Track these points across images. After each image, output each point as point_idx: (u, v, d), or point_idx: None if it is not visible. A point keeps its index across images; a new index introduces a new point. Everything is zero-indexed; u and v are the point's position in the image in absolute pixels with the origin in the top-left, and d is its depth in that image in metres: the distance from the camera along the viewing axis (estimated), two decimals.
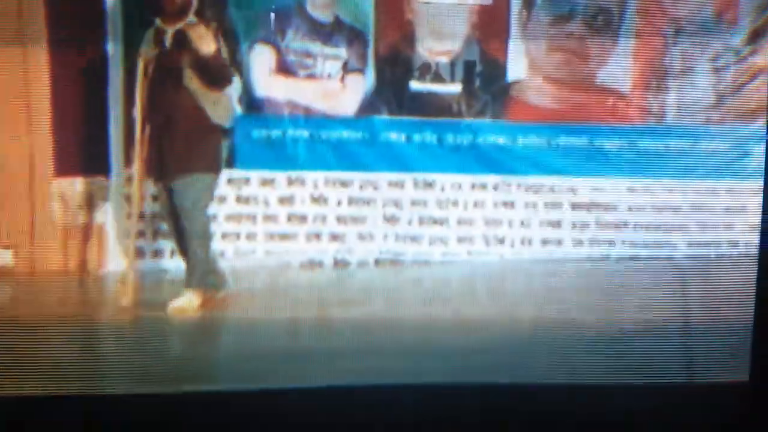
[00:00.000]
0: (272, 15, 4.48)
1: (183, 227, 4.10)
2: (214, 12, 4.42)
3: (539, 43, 4.67)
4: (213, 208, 4.19)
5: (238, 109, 4.20)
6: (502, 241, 4.68)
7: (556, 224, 4.71)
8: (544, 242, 4.70)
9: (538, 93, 4.73)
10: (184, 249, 4.12)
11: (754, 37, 4.77)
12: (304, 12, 4.53)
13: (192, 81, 3.93)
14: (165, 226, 4.26)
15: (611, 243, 4.72)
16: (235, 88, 4.37)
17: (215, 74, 3.98)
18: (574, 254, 4.68)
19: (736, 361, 3.93)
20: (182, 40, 3.91)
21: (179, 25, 3.91)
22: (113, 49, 4.29)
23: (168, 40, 3.92)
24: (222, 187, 4.31)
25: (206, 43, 3.93)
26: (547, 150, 4.71)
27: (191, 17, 3.98)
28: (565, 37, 4.66)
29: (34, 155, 4.23)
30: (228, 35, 4.45)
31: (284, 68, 4.57)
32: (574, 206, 4.69)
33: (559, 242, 4.70)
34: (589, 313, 4.22)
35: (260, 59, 4.50)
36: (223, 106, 4.05)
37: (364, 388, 3.69)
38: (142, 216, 4.32)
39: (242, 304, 4.21)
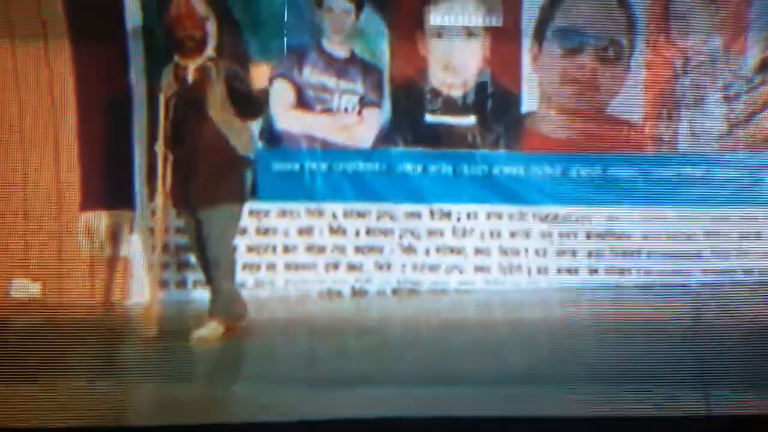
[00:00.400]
0: (290, 52, 4.56)
1: (208, 257, 4.07)
2: (231, 48, 4.52)
3: (551, 75, 4.71)
4: (235, 240, 4.19)
5: (258, 141, 4.27)
6: (518, 269, 4.68)
7: (571, 253, 4.73)
8: (560, 271, 4.73)
9: (552, 124, 4.75)
10: (209, 279, 4.12)
11: (764, 65, 4.80)
12: (321, 48, 4.60)
13: (216, 113, 3.94)
14: (192, 258, 4.28)
15: (626, 271, 4.73)
16: (255, 121, 4.42)
17: (255, 105, 4.02)
18: (589, 282, 4.68)
19: (755, 392, 3.86)
20: (206, 75, 3.91)
21: (199, 61, 3.93)
22: (137, 85, 4.38)
23: (189, 76, 3.95)
24: (243, 219, 4.30)
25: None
26: (561, 180, 4.72)
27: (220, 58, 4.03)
28: (577, 69, 4.71)
29: (62, 190, 4.33)
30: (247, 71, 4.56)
31: (302, 103, 4.63)
32: (589, 235, 4.71)
33: (575, 271, 4.73)
34: (606, 341, 4.19)
35: (279, 94, 4.57)
36: (247, 137, 4.07)
37: (382, 421, 3.66)
38: (165, 248, 4.36)
39: (263, 333, 4.20)
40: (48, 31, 4.20)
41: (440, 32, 4.59)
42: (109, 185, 4.38)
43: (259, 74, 4.04)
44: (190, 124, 3.90)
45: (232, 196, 3.96)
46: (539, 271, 4.66)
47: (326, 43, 4.58)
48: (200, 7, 4.42)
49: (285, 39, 4.50)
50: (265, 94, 4.13)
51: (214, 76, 3.88)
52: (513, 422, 3.59)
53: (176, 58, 3.97)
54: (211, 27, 4.44)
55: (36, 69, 4.25)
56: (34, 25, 4.18)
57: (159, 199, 4.07)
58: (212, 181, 3.92)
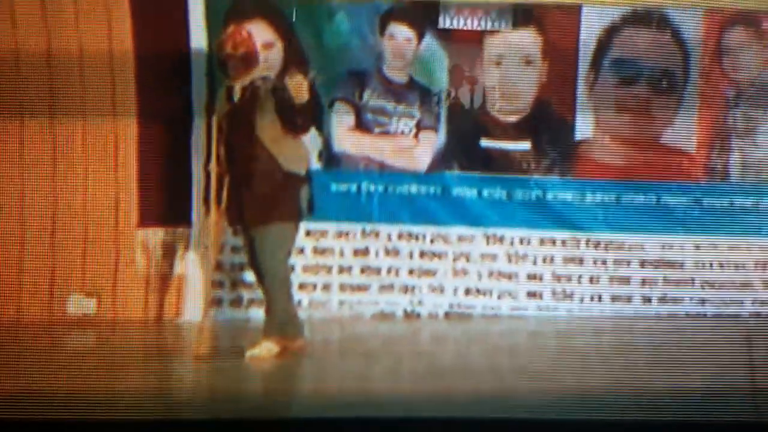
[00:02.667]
0: (351, 76, 4.20)
1: (262, 276, 3.68)
2: (296, 71, 4.12)
3: (606, 104, 4.32)
4: (292, 259, 3.81)
5: (316, 162, 3.90)
6: (570, 296, 4.26)
7: (625, 281, 4.28)
8: (613, 298, 4.28)
9: (605, 151, 4.34)
10: (264, 298, 3.71)
11: None
12: (381, 73, 4.23)
13: (264, 132, 3.60)
14: (248, 276, 3.90)
15: (679, 300, 4.28)
16: (315, 142, 4.07)
17: (300, 118, 3.62)
18: (643, 311, 4.25)
19: None
20: (254, 94, 3.60)
21: (247, 80, 3.61)
22: (196, 105, 4.01)
23: (236, 95, 3.63)
24: (300, 239, 3.92)
25: (302, 91, 3.58)
26: (614, 207, 4.31)
27: (271, 76, 3.71)
28: (632, 98, 4.33)
29: (120, 206, 3.94)
30: (311, 94, 4.14)
31: (361, 125, 4.26)
32: (643, 263, 4.27)
33: (628, 299, 4.28)
34: (658, 371, 3.74)
35: (340, 117, 4.21)
36: (298, 154, 3.68)
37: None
38: (220, 266, 3.99)
39: (316, 353, 3.78)
40: (112, 43, 3.88)
41: (499, 60, 4.22)
42: (166, 202, 4.00)
43: (296, 86, 3.59)
44: (240, 144, 3.57)
45: (284, 214, 3.57)
46: (592, 298, 4.21)
47: (386, 69, 4.20)
48: (266, 32, 4.09)
49: (349, 65, 4.15)
50: (309, 105, 3.68)
51: (262, 95, 3.56)
52: None
53: (226, 80, 3.67)
54: (277, 51, 4.12)
55: (99, 83, 3.90)
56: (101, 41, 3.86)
57: (213, 216, 3.67)
58: (264, 199, 3.56)
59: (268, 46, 4.11)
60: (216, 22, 4.02)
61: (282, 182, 3.58)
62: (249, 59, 3.65)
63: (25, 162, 3.78)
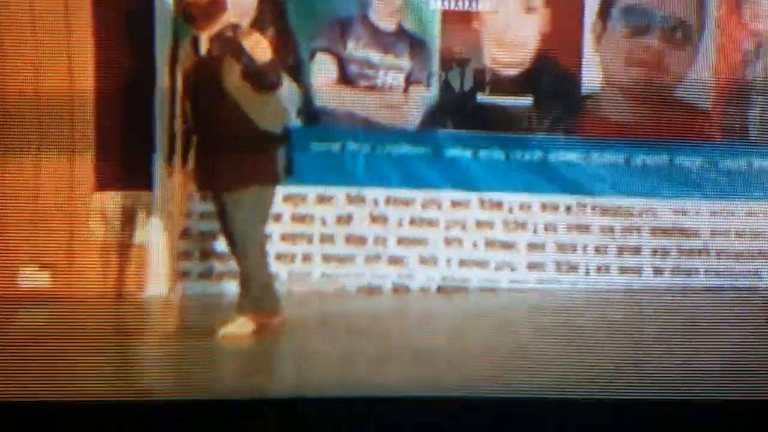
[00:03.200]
0: (333, 23, 3.93)
1: (235, 246, 3.43)
2: (271, 19, 3.88)
3: (615, 56, 4.06)
4: (269, 226, 3.55)
5: (295, 118, 3.63)
6: (575, 268, 4.03)
7: (635, 250, 4.05)
8: (622, 270, 4.05)
9: (614, 107, 4.09)
10: (241, 267, 3.45)
11: None
12: (368, 20, 3.94)
13: (234, 87, 3.35)
14: (221, 246, 3.64)
15: (694, 272, 4.05)
16: (293, 97, 3.80)
17: (266, 78, 3.35)
18: (654, 284, 4.02)
19: None
20: (221, 45, 3.35)
21: (214, 29, 3.36)
22: (159, 57, 3.70)
23: (203, 47, 3.38)
24: (277, 205, 3.65)
25: (261, 50, 3.35)
26: (624, 169, 4.06)
27: (242, 24, 3.47)
28: (643, 50, 4.07)
29: (74, 168, 3.67)
30: (286, 43, 3.89)
31: (345, 78, 3.97)
32: (654, 231, 4.05)
33: (638, 270, 4.06)
34: (670, 348, 3.56)
35: (321, 69, 3.93)
36: (273, 111, 3.42)
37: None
38: (186, 233, 3.73)
39: (296, 331, 3.54)
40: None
41: (496, 8, 3.93)
42: (125, 164, 3.70)
43: (253, 45, 3.32)
44: (207, 100, 3.31)
45: (259, 177, 3.32)
46: (599, 269, 3.98)
47: (373, 15, 3.91)
48: None
49: (331, 11, 3.86)
50: (274, 63, 3.38)
51: (231, 47, 3.30)
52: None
53: (192, 30, 3.39)
54: None
55: (55, 34, 3.61)
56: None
57: (178, 179, 3.43)
58: (235, 161, 3.31)
59: None
60: None
61: (255, 142, 3.33)
62: (215, 5, 3.36)
63: None
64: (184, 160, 3.40)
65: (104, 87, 3.66)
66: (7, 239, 3.55)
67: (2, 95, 3.60)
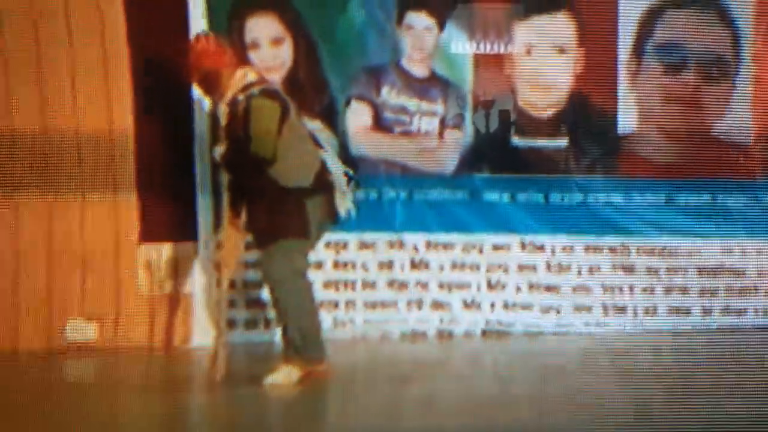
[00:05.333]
0: (368, 71, 4.30)
1: (276, 297, 3.71)
2: (306, 69, 4.27)
3: (651, 94, 4.39)
4: (311, 274, 3.81)
5: (340, 167, 3.78)
6: (622, 310, 4.32)
7: (682, 290, 4.33)
8: (670, 311, 4.32)
9: (652, 146, 4.41)
10: (281, 318, 3.74)
11: None
12: (400, 67, 4.32)
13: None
14: (265, 295, 3.94)
15: (743, 311, 4.32)
16: (331, 146, 4.11)
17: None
18: (703, 324, 4.28)
19: None
20: (238, 111, 3.60)
21: (228, 97, 3.61)
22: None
23: (222, 117, 3.66)
24: (319, 252, 4.02)
25: (264, 119, 3.53)
26: (666, 209, 4.36)
27: (253, 90, 3.63)
28: (679, 87, 4.39)
29: (119, 220, 4.03)
30: (322, 92, 4.28)
31: (380, 125, 4.34)
32: (700, 270, 4.34)
33: (686, 311, 4.34)
34: (722, 388, 3.80)
35: (356, 116, 4.30)
36: (300, 165, 3.67)
37: None
38: (233, 284, 4.03)
39: (342, 378, 3.80)
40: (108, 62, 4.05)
41: (529, 49, 4.33)
42: (170, 216, 4.09)
43: (257, 111, 3.50)
44: (235, 160, 3.61)
45: (288, 231, 3.59)
46: (646, 311, 4.28)
47: (405, 62, 4.30)
48: (275, 27, 4.23)
49: (364, 59, 4.25)
50: (266, 140, 3.53)
51: (242, 110, 3.54)
52: None
53: (205, 98, 3.76)
54: (288, 48, 4.26)
55: (96, 94, 4.02)
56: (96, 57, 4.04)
57: (227, 230, 3.73)
58: (267, 216, 3.61)
59: (277, 41, 4.26)
60: (219, 17, 4.14)
61: (281, 198, 3.60)
62: (219, 76, 3.63)
63: (17, 174, 3.95)
64: (232, 210, 3.69)
65: (146, 138, 4.06)
66: (54, 292, 3.95)
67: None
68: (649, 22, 4.31)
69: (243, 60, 3.97)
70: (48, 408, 3.32)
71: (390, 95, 4.30)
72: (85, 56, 4.02)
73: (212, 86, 3.67)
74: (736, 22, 4.32)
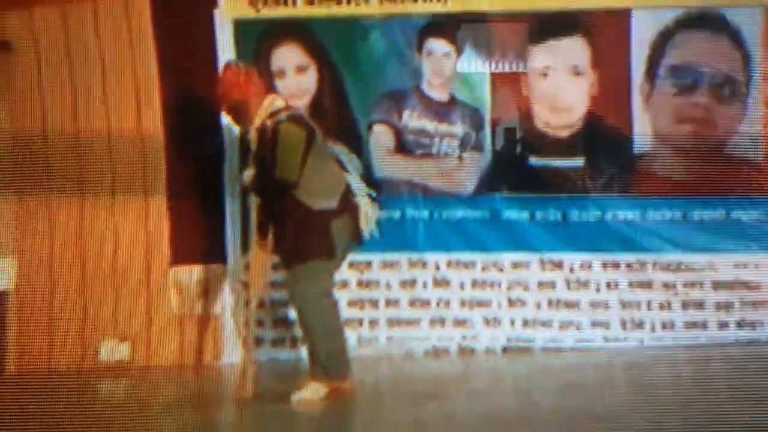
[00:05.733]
0: (390, 96, 4.40)
1: (302, 316, 3.80)
2: (330, 95, 4.38)
3: (665, 114, 4.45)
4: (336, 293, 3.91)
5: (364, 189, 3.92)
6: (640, 324, 4.36)
7: (698, 305, 4.37)
8: (687, 325, 4.36)
9: (667, 165, 4.46)
10: (308, 336, 3.84)
11: None
12: (420, 92, 4.43)
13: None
14: (292, 314, 4.04)
15: (759, 324, 4.36)
16: (355, 168, 4.24)
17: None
18: (720, 337, 4.32)
19: None
20: (266, 136, 3.72)
21: (257, 123, 3.74)
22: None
23: (252, 142, 3.79)
24: (344, 272, 4.11)
25: (288, 143, 3.63)
26: (681, 225, 4.41)
27: (281, 116, 3.75)
28: (692, 108, 4.45)
29: (151, 244, 4.15)
30: (345, 117, 4.40)
31: (402, 148, 4.44)
32: (716, 285, 4.37)
33: (703, 325, 4.37)
34: (741, 402, 3.84)
35: (379, 140, 4.41)
36: (326, 189, 3.78)
37: None
38: (261, 303, 4.09)
39: (367, 394, 3.91)
40: (140, 90, 4.18)
41: (545, 72, 4.41)
42: (200, 238, 4.22)
43: (285, 136, 3.65)
44: (264, 186, 3.74)
45: (315, 252, 3.70)
46: (664, 326, 4.32)
47: (426, 87, 4.41)
48: (300, 56, 4.37)
49: (386, 85, 4.36)
50: (290, 163, 3.68)
51: (270, 135, 3.66)
52: None
53: (235, 124, 3.85)
54: (312, 75, 4.38)
55: (127, 121, 4.18)
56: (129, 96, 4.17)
57: (255, 251, 3.86)
58: (292, 237, 3.71)
59: (301, 69, 4.39)
60: (247, 47, 4.29)
61: (307, 220, 3.70)
62: (248, 103, 3.74)
63: (52, 201, 4.09)
64: (261, 233, 3.81)
65: (177, 164, 4.18)
66: (89, 314, 4.06)
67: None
68: (660, 45, 4.39)
69: (270, 88, 4.09)
70: (83, 424, 3.42)
71: (411, 119, 4.41)
72: (118, 85, 4.16)
73: (241, 113, 3.80)
74: (745, 44, 4.38)
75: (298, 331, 4.00)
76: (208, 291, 4.25)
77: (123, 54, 4.16)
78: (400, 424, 3.66)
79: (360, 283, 4.33)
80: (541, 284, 4.35)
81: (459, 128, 4.43)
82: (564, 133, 4.44)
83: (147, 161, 4.16)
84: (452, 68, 4.41)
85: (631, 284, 4.34)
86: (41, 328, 3.98)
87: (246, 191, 4.00)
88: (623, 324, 4.32)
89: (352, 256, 4.06)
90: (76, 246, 4.10)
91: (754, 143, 4.45)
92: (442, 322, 4.34)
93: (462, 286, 4.35)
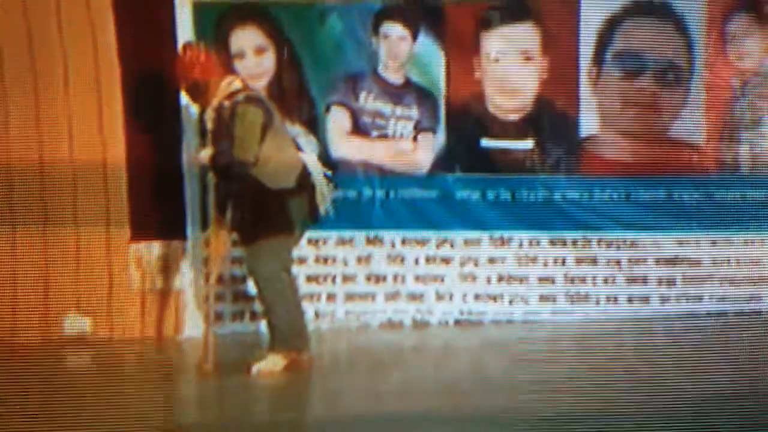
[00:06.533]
0: (346, 79, 4.48)
1: (262, 291, 3.90)
2: (289, 77, 4.43)
3: (611, 98, 4.61)
4: (295, 269, 4.03)
5: (319, 168, 3.97)
6: (585, 298, 4.53)
7: (642, 280, 4.56)
8: (631, 299, 4.56)
9: (612, 147, 4.63)
10: (267, 310, 3.93)
11: None
12: (377, 74, 4.52)
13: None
14: (251, 288, 4.10)
15: (699, 298, 4.56)
16: (312, 149, 4.32)
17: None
18: (662, 311, 4.51)
19: None
20: (224, 115, 3.77)
21: (215, 103, 3.80)
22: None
23: (208, 122, 3.84)
24: (302, 248, 4.20)
25: (247, 123, 3.69)
26: (625, 204, 4.59)
27: (239, 97, 3.80)
28: (637, 92, 4.61)
29: (111, 221, 4.19)
30: (303, 98, 4.46)
31: (358, 129, 4.53)
32: (659, 261, 4.56)
33: (646, 299, 4.57)
34: (681, 372, 4.01)
35: (336, 121, 4.49)
36: (283, 169, 3.84)
37: None
38: (221, 279, 4.18)
39: (324, 366, 4.03)
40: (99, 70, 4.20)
41: (496, 57, 4.53)
42: (159, 215, 4.27)
43: (242, 115, 3.70)
44: (222, 164, 3.79)
45: (272, 229, 3.78)
46: (608, 299, 4.50)
47: (382, 70, 4.50)
48: (258, 37, 4.41)
49: (343, 67, 4.43)
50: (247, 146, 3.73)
51: (228, 115, 3.72)
52: None
53: (193, 104, 3.90)
54: (270, 56, 4.42)
55: (86, 92, 4.17)
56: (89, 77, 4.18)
57: (213, 228, 3.94)
58: (250, 216, 3.80)
59: (260, 51, 4.44)
60: (207, 29, 4.29)
61: (265, 199, 3.77)
62: (207, 83, 3.80)
63: (11, 169, 4.09)
64: (219, 210, 3.88)
65: (136, 144, 4.20)
66: (53, 290, 4.10)
67: None
68: (608, 31, 4.54)
69: (229, 69, 4.15)
70: (49, 395, 3.48)
71: (367, 101, 4.50)
72: (79, 66, 4.17)
73: (200, 93, 3.86)
74: (688, 31, 4.56)
75: (258, 305, 4.09)
76: (168, 267, 4.30)
77: (83, 33, 4.16)
78: (357, 394, 3.79)
79: (318, 259, 4.42)
80: (491, 260, 4.50)
81: (414, 111, 4.53)
82: (514, 116, 4.58)
83: (106, 142, 4.17)
84: (408, 52, 4.50)
85: (577, 260, 4.52)
86: (6, 303, 4.02)
87: (204, 170, 4.09)
88: (570, 298, 4.49)
89: (310, 233, 4.17)
90: (39, 222, 4.11)
91: (695, 127, 4.63)
92: (396, 296, 4.45)
93: (416, 261, 4.47)
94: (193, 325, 4.22)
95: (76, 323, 4.08)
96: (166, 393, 3.72)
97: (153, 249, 4.28)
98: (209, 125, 3.86)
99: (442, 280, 4.47)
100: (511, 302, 4.47)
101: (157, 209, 4.25)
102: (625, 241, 4.51)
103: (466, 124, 4.53)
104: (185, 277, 4.32)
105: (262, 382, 3.79)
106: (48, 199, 4.11)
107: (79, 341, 4.09)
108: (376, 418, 3.56)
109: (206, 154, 3.86)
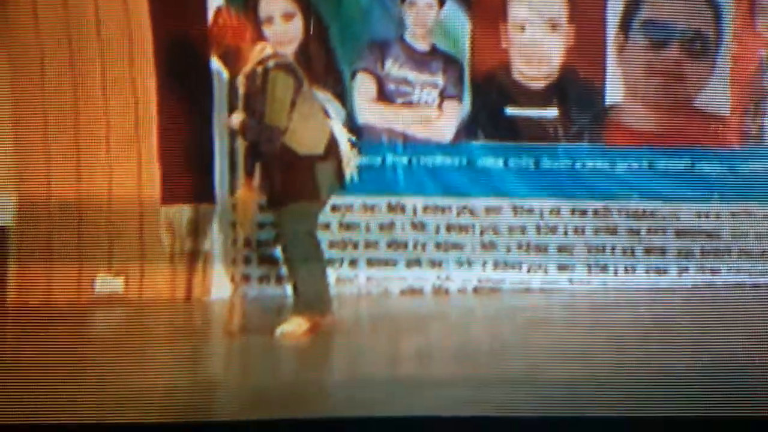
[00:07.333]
0: (373, 45, 4.50)
1: (287, 254, 4.02)
2: (315, 44, 4.46)
3: (637, 68, 4.57)
4: (319, 234, 4.12)
5: (345, 135, 4.08)
6: (604, 268, 4.55)
7: (660, 251, 4.57)
8: (649, 270, 4.55)
9: (637, 117, 4.60)
10: (292, 274, 4.06)
11: None
12: (403, 42, 4.52)
13: (273, 119, 3.86)
14: (276, 252, 4.23)
15: (717, 270, 4.57)
16: (339, 115, 4.37)
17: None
18: (679, 282, 4.52)
19: None
20: (258, 81, 3.82)
21: (248, 68, 3.85)
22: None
23: (240, 87, 3.90)
24: (326, 214, 4.26)
25: (280, 89, 3.73)
26: (647, 174, 4.58)
27: (270, 63, 3.85)
28: (663, 62, 4.57)
29: (142, 184, 4.26)
30: (330, 65, 4.48)
31: (383, 96, 4.55)
32: (678, 232, 4.56)
33: (664, 270, 4.58)
34: (697, 343, 4.04)
35: (362, 88, 4.51)
36: (313, 135, 3.93)
37: (465, 420, 3.56)
38: (248, 242, 4.29)
39: (345, 330, 4.13)
40: (132, 36, 4.21)
41: (523, 24, 4.51)
42: (190, 179, 4.32)
43: (273, 84, 3.75)
44: (253, 130, 3.86)
45: (301, 195, 3.88)
46: (626, 269, 4.51)
47: (408, 37, 4.50)
48: (287, 4, 4.40)
49: (370, 34, 4.43)
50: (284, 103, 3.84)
51: (260, 81, 3.76)
52: (600, 423, 3.50)
53: (225, 70, 3.92)
54: (297, 22, 4.43)
55: (119, 64, 4.20)
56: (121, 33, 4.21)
57: (242, 193, 4.02)
58: (280, 179, 3.87)
59: (288, 17, 4.45)
60: None
61: (293, 165, 3.85)
62: (240, 49, 3.85)
63: (48, 142, 4.18)
64: (247, 174, 3.97)
65: (167, 109, 4.26)
66: (86, 251, 4.20)
67: None
68: (635, 0, 4.51)
69: (259, 34, 4.17)
70: (79, 353, 3.60)
71: (393, 68, 4.51)
72: (110, 28, 4.20)
73: (233, 59, 3.91)
74: (717, 2, 4.48)
75: (284, 269, 4.18)
76: (197, 230, 4.38)
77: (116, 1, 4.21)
78: (377, 356, 3.90)
79: (341, 225, 4.46)
80: (512, 228, 4.53)
81: (439, 78, 4.54)
82: (539, 84, 4.56)
83: (138, 107, 4.22)
84: (434, 19, 4.49)
85: (596, 230, 4.54)
86: (40, 263, 4.13)
87: (234, 135, 4.14)
88: (588, 267, 4.52)
89: (334, 199, 4.23)
90: (72, 184, 4.18)
91: (721, 97, 4.58)
92: (418, 263, 4.51)
93: (437, 229, 4.51)
94: (220, 287, 4.32)
95: (108, 283, 4.22)
96: (193, 352, 3.86)
97: (183, 212, 4.35)
98: (241, 90, 3.91)
99: (463, 247, 4.50)
100: (529, 271, 4.51)
101: (188, 173, 4.31)
102: (645, 211, 4.52)
103: (491, 92, 4.53)
104: (214, 241, 4.41)
105: (285, 343, 3.92)
106: (82, 158, 4.21)
107: (110, 301, 4.23)
108: (395, 380, 3.67)
109: (237, 119, 3.93)
